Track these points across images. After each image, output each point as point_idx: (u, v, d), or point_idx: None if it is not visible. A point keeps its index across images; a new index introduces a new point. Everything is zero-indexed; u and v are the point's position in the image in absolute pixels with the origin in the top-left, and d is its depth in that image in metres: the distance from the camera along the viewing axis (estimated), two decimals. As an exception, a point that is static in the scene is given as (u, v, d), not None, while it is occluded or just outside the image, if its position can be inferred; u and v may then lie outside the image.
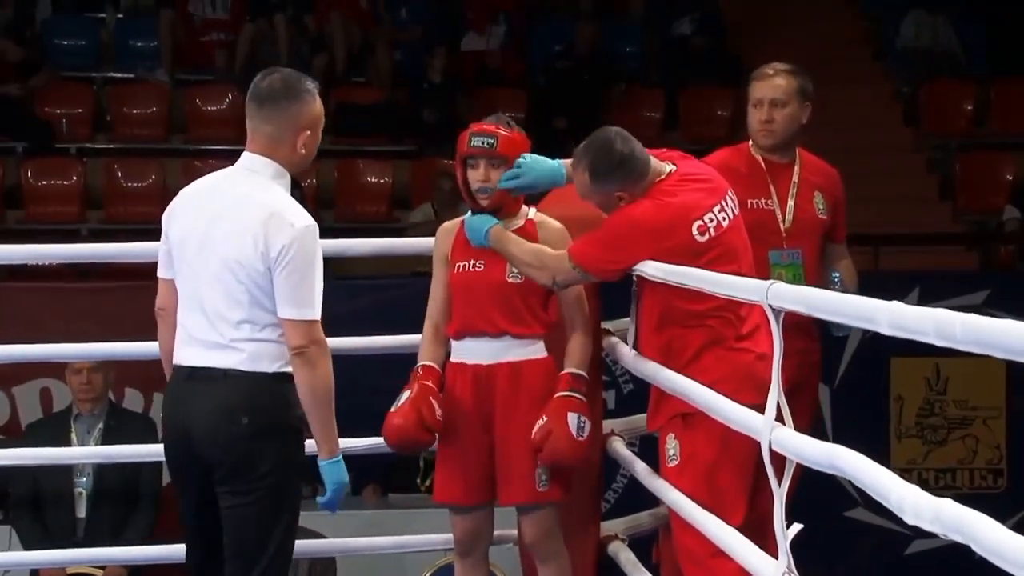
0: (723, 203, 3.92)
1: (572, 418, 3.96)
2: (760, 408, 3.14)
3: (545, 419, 3.98)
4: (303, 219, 3.54)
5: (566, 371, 4.05)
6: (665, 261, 3.79)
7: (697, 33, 11.55)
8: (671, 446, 3.91)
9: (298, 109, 3.62)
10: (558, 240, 4.08)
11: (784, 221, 4.52)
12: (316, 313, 3.54)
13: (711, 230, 3.86)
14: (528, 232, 4.10)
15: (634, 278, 4.00)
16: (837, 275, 4.53)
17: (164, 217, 3.70)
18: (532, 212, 4.18)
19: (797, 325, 4.30)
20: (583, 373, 4.06)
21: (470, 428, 4.08)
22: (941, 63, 11.49)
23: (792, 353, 3.85)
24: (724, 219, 3.90)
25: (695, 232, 3.84)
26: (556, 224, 4.13)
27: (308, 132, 3.64)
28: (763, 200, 4.50)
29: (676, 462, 3.90)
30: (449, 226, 4.23)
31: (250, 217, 3.53)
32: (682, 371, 3.82)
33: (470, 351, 4.10)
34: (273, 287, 3.52)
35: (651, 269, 3.83)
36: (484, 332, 4.07)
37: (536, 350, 4.09)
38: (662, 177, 3.93)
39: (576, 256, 3.89)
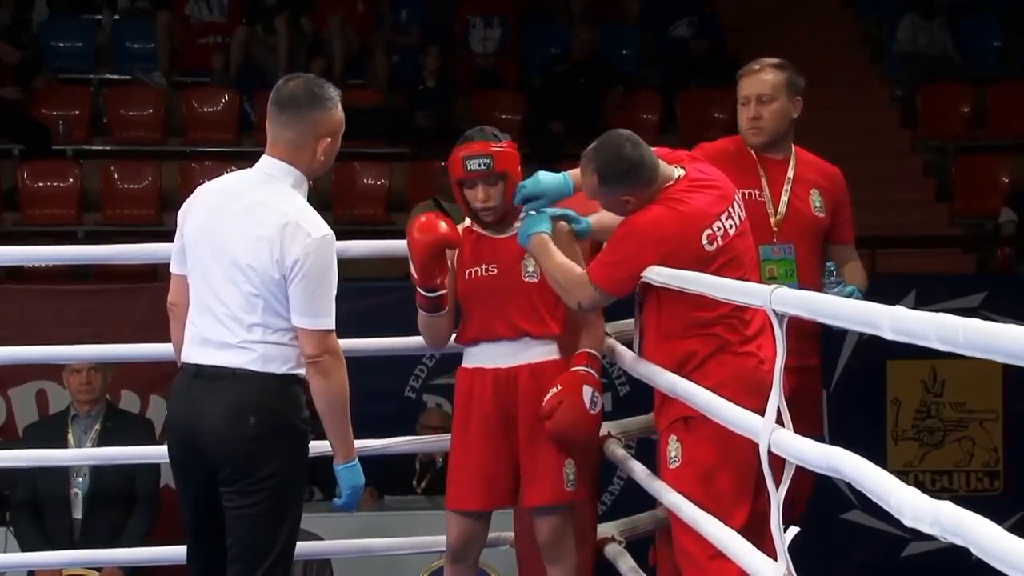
0: (731, 209, 3.91)
1: (587, 391, 3.96)
2: (761, 412, 3.14)
3: (559, 387, 3.97)
4: (320, 229, 3.54)
5: (583, 349, 4.04)
6: (673, 268, 3.79)
7: (695, 35, 11.55)
8: (672, 448, 3.90)
9: (319, 116, 3.63)
10: (574, 251, 4.07)
11: (775, 214, 4.46)
12: (331, 323, 3.56)
13: (719, 239, 3.85)
14: None
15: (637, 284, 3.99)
16: (832, 264, 4.46)
17: (180, 213, 3.71)
18: None
19: (799, 330, 4.29)
20: (598, 355, 4.07)
21: (492, 432, 4.06)
22: (939, 66, 11.50)
23: (793, 357, 3.84)
24: (731, 226, 3.89)
25: (704, 241, 3.84)
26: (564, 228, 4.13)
27: (329, 139, 3.65)
28: (753, 191, 4.43)
29: (677, 464, 3.88)
30: None
31: (267, 224, 3.52)
32: (687, 376, 3.80)
33: (488, 355, 4.09)
34: (288, 295, 3.53)
35: (654, 275, 3.82)
36: (502, 336, 4.07)
37: (553, 351, 4.09)
38: (671, 182, 3.92)
39: (595, 277, 3.90)
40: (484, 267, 4.09)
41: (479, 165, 4.01)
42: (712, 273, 3.74)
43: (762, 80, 4.48)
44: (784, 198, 4.48)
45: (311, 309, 3.52)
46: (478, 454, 4.06)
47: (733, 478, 3.80)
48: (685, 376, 3.81)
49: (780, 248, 4.43)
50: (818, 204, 4.52)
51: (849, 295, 4.24)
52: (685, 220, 3.84)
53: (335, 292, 3.58)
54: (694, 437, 3.85)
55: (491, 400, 4.06)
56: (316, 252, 3.51)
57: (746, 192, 4.35)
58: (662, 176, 3.92)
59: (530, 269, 4.06)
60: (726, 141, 4.57)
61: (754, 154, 4.51)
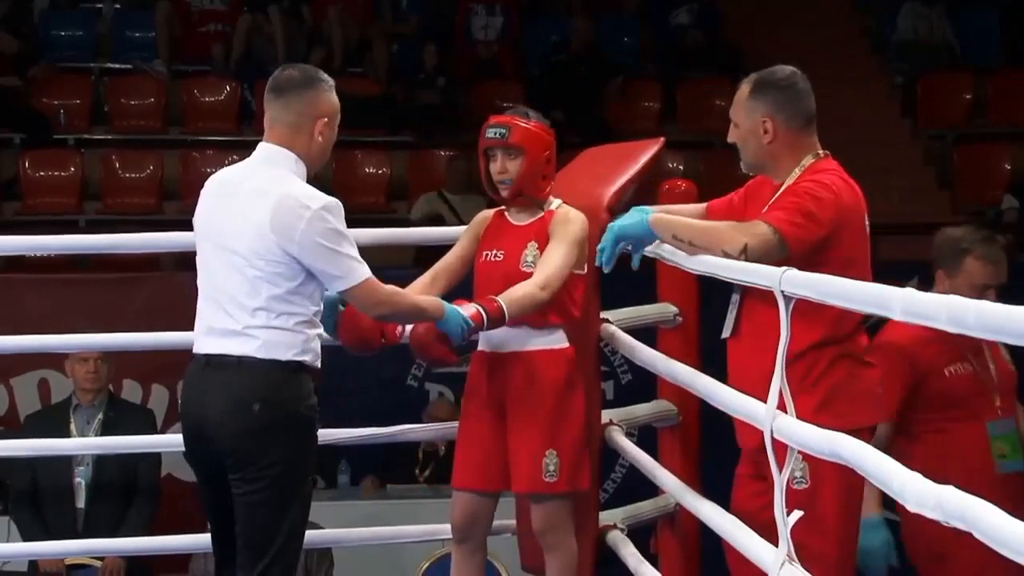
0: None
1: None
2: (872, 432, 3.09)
3: None
4: (319, 199, 3.55)
5: (496, 297, 3.90)
6: (849, 242, 3.59)
7: (694, 24, 11.54)
8: (797, 468, 3.57)
9: (316, 96, 3.70)
10: (568, 231, 4.01)
11: (995, 389, 4.35)
12: (364, 271, 3.58)
13: (867, 227, 3.70)
14: (543, 222, 4.09)
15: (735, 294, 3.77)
16: None
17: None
18: (556, 204, 4.15)
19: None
20: (504, 307, 3.85)
21: (486, 415, 4.08)
22: (938, 55, 11.49)
23: None
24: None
25: (865, 222, 3.69)
26: (573, 213, 4.09)
27: (325, 120, 3.69)
28: (961, 365, 4.32)
29: (805, 485, 3.60)
30: (487, 213, 4.24)
31: (267, 207, 3.54)
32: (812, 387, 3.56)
33: (491, 340, 4.07)
34: (296, 274, 3.54)
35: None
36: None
37: (554, 340, 4.05)
38: (822, 157, 3.72)
39: (777, 223, 3.53)
40: (494, 252, 4.13)
41: (495, 134, 4.10)
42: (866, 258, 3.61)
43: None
44: (992, 366, 4.38)
45: (338, 270, 3.55)
46: (474, 435, 4.11)
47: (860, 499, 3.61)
48: (812, 386, 3.56)
49: (1003, 424, 4.35)
50: (1008, 358, 4.45)
51: None
52: (857, 193, 3.66)
53: (355, 249, 3.58)
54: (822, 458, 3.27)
55: (486, 385, 4.09)
56: (320, 219, 3.52)
57: (954, 369, 4.30)
58: (813, 139, 3.71)
59: (528, 259, 4.06)
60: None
61: None
